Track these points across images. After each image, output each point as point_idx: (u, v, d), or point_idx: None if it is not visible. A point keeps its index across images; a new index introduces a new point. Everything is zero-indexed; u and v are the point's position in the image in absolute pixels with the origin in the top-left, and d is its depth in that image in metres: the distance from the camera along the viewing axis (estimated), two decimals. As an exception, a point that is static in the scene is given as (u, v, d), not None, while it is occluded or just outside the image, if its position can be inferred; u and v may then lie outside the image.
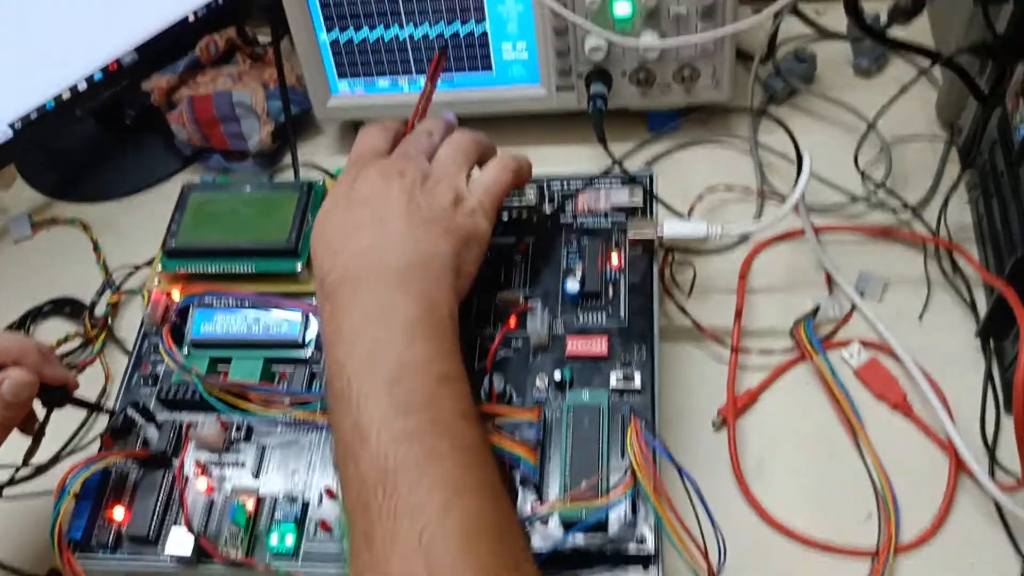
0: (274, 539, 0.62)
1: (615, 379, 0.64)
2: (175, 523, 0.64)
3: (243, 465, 0.66)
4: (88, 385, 0.80)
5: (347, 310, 0.57)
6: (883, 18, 0.72)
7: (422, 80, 0.88)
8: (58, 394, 0.66)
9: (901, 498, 0.65)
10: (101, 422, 0.77)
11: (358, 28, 0.85)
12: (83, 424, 0.78)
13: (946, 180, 0.81)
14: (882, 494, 0.66)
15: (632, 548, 0.58)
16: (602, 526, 0.58)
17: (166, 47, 0.94)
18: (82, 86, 0.90)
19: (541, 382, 0.65)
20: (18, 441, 0.66)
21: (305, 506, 0.63)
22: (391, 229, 0.60)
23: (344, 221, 0.61)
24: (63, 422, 0.75)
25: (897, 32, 0.71)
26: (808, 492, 0.67)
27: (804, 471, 0.68)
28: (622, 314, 0.68)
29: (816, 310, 0.74)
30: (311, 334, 0.70)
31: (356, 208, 0.62)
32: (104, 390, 0.81)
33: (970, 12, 0.72)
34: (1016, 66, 0.68)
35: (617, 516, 0.58)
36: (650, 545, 0.57)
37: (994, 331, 0.70)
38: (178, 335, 0.72)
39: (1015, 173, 0.69)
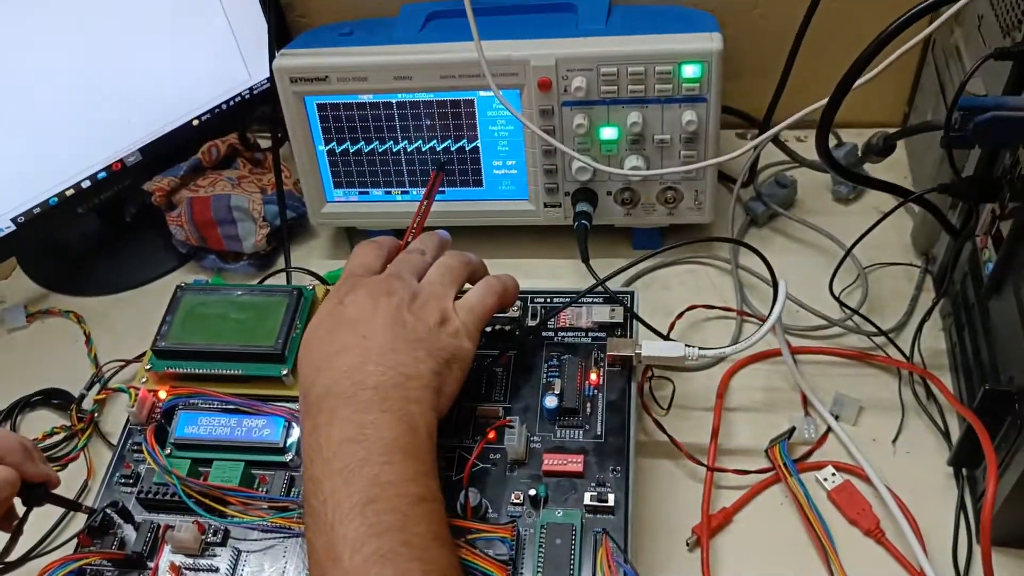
0: (244, 645, 0.62)
1: (589, 497, 0.65)
2: (146, 627, 0.64)
3: (217, 570, 0.66)
4: (70, 480, 0.81)
5: (327, 427, 0.58)
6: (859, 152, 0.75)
7: (415, 191, 0.91)
8: (39, 491, 0.66)
9: (872, 627, 0.66)
10: (79, 519, 0.77)
11: (355, 141, 0.89)
12: (60, 521, 0.78)
13: (920, 307, 0.84)
14: (854, 622, 0.66)
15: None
16: (571, 650, 0.58)
17: (169, 149, 0.98)
18: (86, 184, 0.93)
19: (516, 498, 0.66)
20: (-5, 537, 0.67)
21: (278, 612, 0.64)
22: (374, 348, 0.61)
23: (330, 339, 0.63)
24: (41, 518, 0.75)
25: (876, 165, 0.75)
26: (780, 616, 0.68)
27: (777, 594, 0.69)
28: (599, 431, 0.69)
29: (791, 432, 0.76)
30: (292, 439, 0.71)
31: (343, 327, 0.63)
32: (85, 485, 0.82)
33: (942, 152, 0.75)
34: (983, 207, 0.71)
35: (586, 638, 0.59)
36: (619, 671, 0.58)
37: (966, 461, 0.71)
38: (162, 435, 0.73)
39: (985, 307, 0.71)
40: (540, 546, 0.62)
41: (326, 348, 0.62)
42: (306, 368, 0.63)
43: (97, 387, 0.87)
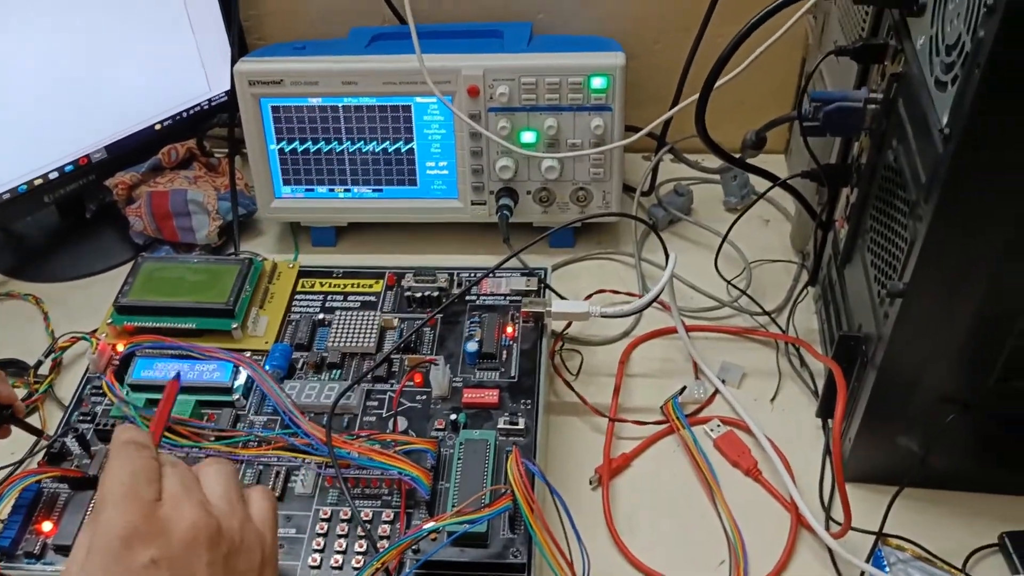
0: (188, 551, 0.69)
1: (503, 422, 0.74)
2: (97, 537, 0.70)
3: (165, 491, 0.73)
4: (24, 437, 0.86)
5: None
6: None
7: (356, 189, 1.02)
8: (5, 412, 0.73)
9: (749, 547, 0.75)
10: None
11: (303, 141, 0.99)
12: (29, 454, 0.83)
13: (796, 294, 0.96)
14: (733, 544, 0.75)
15: (508, 559, 0.66)
16: (483, 540, 0.67)
17: (132, 149, 1.07)
18: (53, 175, 1.01)
19: (440, 424, 0.75)
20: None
21: (219, 525, 0.70)
22: None
23: None
24: (4, 455, 0.81)
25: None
26: (671, 541, 0.76)
27: (668, 524, 0.78)
28: (513, 372, 0.79)
29: (683, 389, 0.86)
30: (240, 382, 0.79)
31: None
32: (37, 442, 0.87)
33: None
34: (840, 191, 0.84)
35: (497, 532, 0.67)
36: (523, 557, 0.66)
37: (830, 411, 0.82)
38: (119, 379, 0.80)
39: (841, 275, 0.83)
40: (459, 458, 0.71)
41: None
42: None
43: (53, 356, 0.93)
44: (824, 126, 0.75)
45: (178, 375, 0.75)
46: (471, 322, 0.84)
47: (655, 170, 1.08)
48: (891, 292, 0.66)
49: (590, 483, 0.81)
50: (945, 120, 0.59)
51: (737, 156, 0.83)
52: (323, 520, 0.70)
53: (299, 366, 0.82)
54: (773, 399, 0.87)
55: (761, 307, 0.94)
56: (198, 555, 0.49)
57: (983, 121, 0.55)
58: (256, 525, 0.55)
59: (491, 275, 0.87)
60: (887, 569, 0.71)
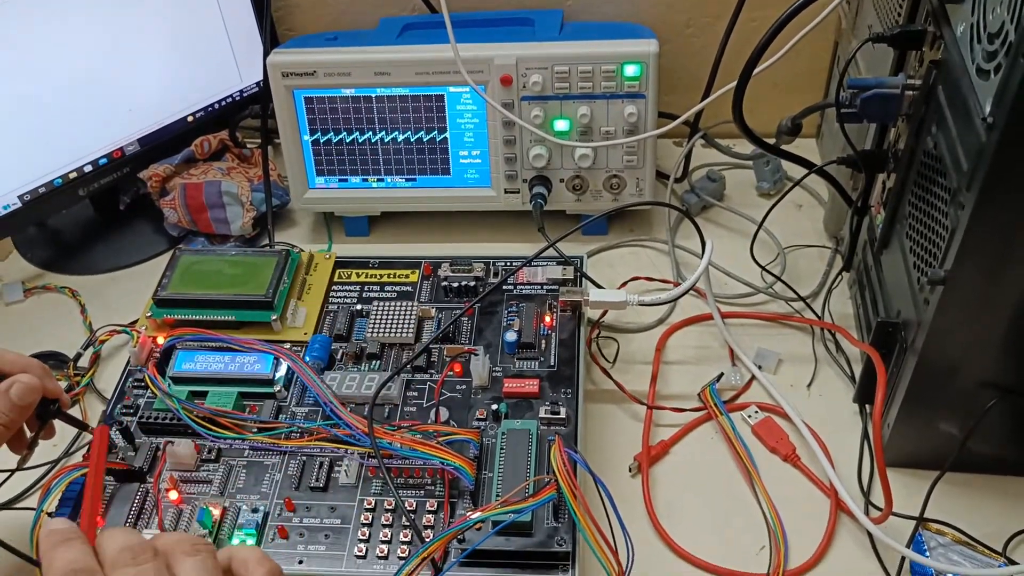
0: (236, 541, 0.70)
1: (544, 411, 0.75)
2: (146, 528, 0.71)
3: (211, 483, 0.74)
4: (67, 430, 0.87)
5: None
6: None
7: (389, 179, 1.02)
8: (53, 407, 0.73)
9: (789, 533, 0.75)
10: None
11: (337, 131, 0.99)
12: (68, 450, 0.85)
13: (831, 280, 0.96)
14: (773, 529, 0.75)
15: (553, 548, 0.67)
16: (527, 528, 0.67)
17: (165, 142, 1.07)
18: (88, 168, 1.02)
19: (481, 414, 0.76)
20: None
21: (265, 515, 0.72)
22: None
23: None
24: (49, 444, 0.82)
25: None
26: (711, 527, 0.77)
27: (708, 510, 0.78)
28: (552, 362, 0.79)
29: (720, 376, 0.86)
30: (280, 373, 0.80)
31: None
32: (79, 435, 0.89)
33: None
34: (876, 177, 0.84)
35: (541, 521, 0.68)
36: (568, 546, 0.67)
37: (867, 396, 0.83)
38: (160, 372, 0.81)
39: (878, 261, 0.83)
40: (502, 448, 0.72)
41: None
42: None
43: (92, 348, 0.94)
44: (861, 113, 0.75)
45: (104, 425, 0.71)
46: (509, 311, 0.84)
47: (688, 156, 1.08)
48: (932, 280, 0.66)
49: (629, 470, 0.81)
50: (988, 109, 0.59)
51: (771, 142, 0.83)
52: (367, 510, 0.71)
53: (338, 357, 0.83)
54: (809, 385, 0.88)
55: (796, 293, 0.93)
56: None
57: (1029, 111, 0.55)
58: None
59: (527, 264, 0.87)
60: (927, 554, 0.72)
